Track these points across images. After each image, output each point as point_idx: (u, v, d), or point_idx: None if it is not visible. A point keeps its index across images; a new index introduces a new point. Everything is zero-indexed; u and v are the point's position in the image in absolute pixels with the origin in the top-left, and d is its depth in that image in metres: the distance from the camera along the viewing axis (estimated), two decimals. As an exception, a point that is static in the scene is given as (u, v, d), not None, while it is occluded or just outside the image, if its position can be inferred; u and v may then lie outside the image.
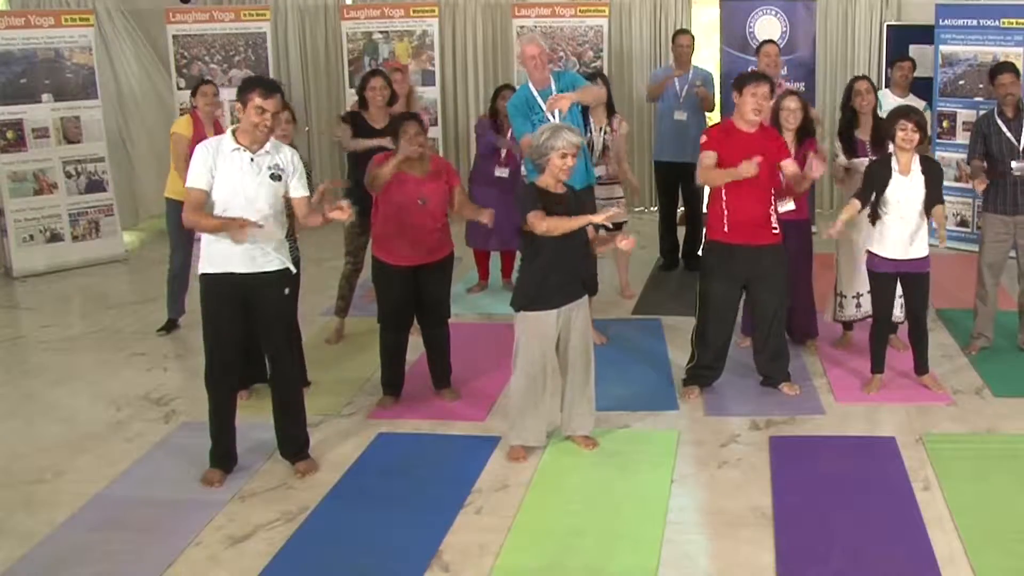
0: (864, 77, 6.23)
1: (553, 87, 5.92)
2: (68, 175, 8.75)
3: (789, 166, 5.40)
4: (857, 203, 5.37)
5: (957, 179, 8.36)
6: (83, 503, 4.61)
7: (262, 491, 4.71)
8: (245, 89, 4.52)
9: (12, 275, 8.50)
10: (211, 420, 4.79)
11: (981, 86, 8.31)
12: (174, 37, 9.91)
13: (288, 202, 4.71)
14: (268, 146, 4.58)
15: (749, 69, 6.75)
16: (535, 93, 5.93)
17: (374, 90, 6.43)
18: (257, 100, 4.45)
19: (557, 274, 4.74)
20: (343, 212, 4.64)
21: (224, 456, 4.82)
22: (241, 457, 4.89)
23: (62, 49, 8.71)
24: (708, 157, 5.34)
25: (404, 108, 6.83)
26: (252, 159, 4.52)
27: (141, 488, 4.77)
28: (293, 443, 4.90)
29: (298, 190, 4.67)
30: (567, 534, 4.27)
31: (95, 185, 8.89)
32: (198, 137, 6.50)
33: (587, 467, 4.88)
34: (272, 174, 4.55)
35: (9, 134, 8.47)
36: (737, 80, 5.44)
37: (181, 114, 7.21)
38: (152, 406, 5.74)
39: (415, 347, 5.74)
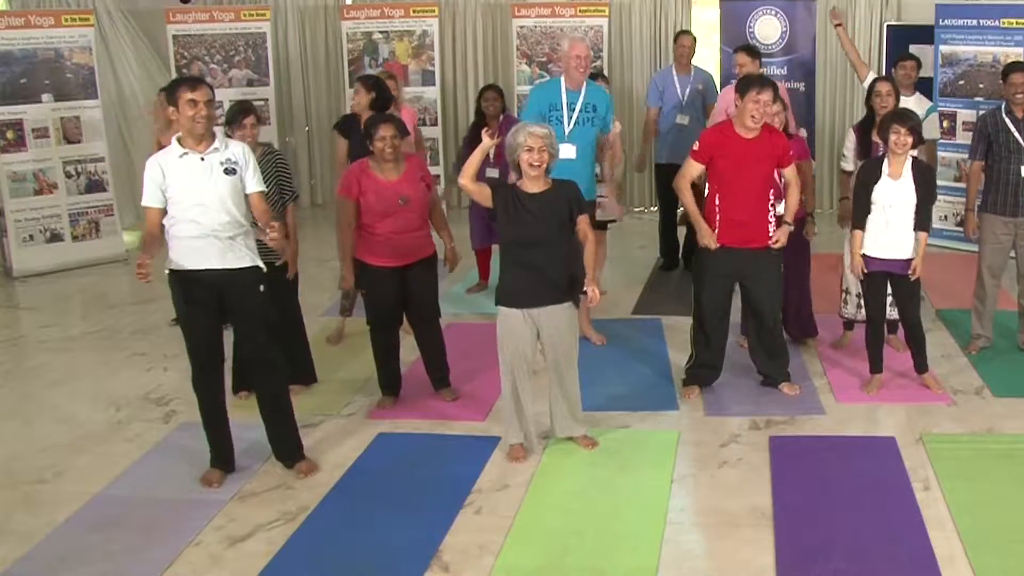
0: (887, 79, 6.14)
1: (582, 93, 6.00)
2: (68, 175, 8.75)
3: (788, 172, 5.40)
4: (859, 233, 5.38)
5: (957, 179, 8.37)
6: (83, 503, 4.61)
7: (262, 491, 4.71)
8: (172, 90, 4.54)
9: (12, 275, 8.51)
10: (205, 424, 4.79)
11: (981, 86, 8.31)
12: (174, 37, 9.93)
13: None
14: (216, 143, 4.55)
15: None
16: (563, 90, 6.00)
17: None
18: (187, 95, 4.45)
19: (522, 274, 4.72)
20: (271, 234, 4.49)
21: (224, 457, 4.81)
22: (241, 457, 4.89)
23: (62, 49, 8.71)
24: (692, 168, 5.38)
25: (393, 109, 6.79)
26: (203, 159, 4.51)
27: (141, 488, 4.77)
28: (285, 444, 4.86)
29: (252, 184, 4.60)
30: (567, 534, 4.27)
31: (95, 185, 8.89)
32: None
33: (587, 467, 4.88)
34: (226, 168, 4.52)
35: (9, 134, 8.47)
36: (741, 82, 5.40)
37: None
38: (152, 406, 5.74)
39: (414, 348, 5.74)
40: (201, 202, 4.48)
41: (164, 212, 4.52)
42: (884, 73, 8.02)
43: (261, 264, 4.70)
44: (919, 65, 7.03)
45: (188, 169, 4.49)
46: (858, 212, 5.41)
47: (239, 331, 4.76)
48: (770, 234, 5.37)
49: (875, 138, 5.84)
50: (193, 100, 4.43)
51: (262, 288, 4.70)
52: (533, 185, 4.73)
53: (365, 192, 5.31)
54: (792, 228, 5.47)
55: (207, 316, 4.62)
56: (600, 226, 7.32)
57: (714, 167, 5.32)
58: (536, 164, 4.65)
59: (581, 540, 4.22)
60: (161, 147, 6.42)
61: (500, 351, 4.86)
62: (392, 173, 5.33)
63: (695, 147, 5.39)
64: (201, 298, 4.58)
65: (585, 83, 6.05)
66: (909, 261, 5.36)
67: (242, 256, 4.60)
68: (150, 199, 4.52)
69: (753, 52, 7.16)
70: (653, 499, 4.54)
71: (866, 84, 6.72)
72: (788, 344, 5.84)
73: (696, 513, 4.49)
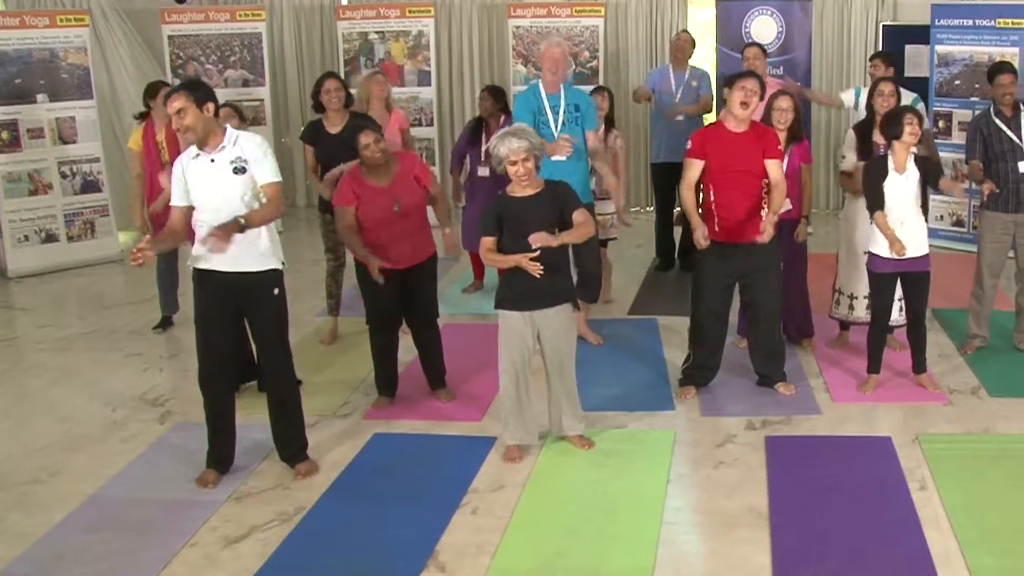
0: (890, 79, 6.10)
1: (562, 95, 5.99)
2: (63, 175, 8.75)
3: (772, 168, 5.33)
4: (880, 213, 5.31)
5: (954, 178, 8.37)
6: (79, 503, 4.61)
7: (258, 491, 4.70)
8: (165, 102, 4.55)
9: (7, 276, 8.50)
10: (207, 422, 4.77)
11: (977, 86, 8.32)
12: (169, 37, 9.91)
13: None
14: (225, 141, 4.51)
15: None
16: (543, 95, 6.00)
17: (328, 93, 6.25)
18: (167, 108, 4.48)
19: (525, 278, 4.68)
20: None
21: (221, 458, 4.81)
22: (237, 457, 4.88)
23: (57, 49, 8.70)
24: (692, 167, 5.37)
25: (383, 110, 6.82)
26: (212, 160, 4.50)
27: (137, 488, 4.76)
28: (291, 445, 4.87)
29: (264, 175, 4.53)
30: (563, 534, 4.27)
31: (90, 185, 8.89)
32: (147, 148, 6.56)
33: (583, 467, 4.88)
34: (235, 168, 4.49)
35: (4, 134, 8.46)
36: (728, 77, 5.58)
37: (138, 117, 6.93)
38: (147, 406, 5.73)
39: (410, 348, 5.74)
40: (212, 203, 4.46)
41: (190, 210, 4.54)
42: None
43: (279, 265, 4.69)
44: (890, 62, 7.00)
45: (201, 170, 4.50)
46: (875, 200, 5.35)
47: (252, 331, 4.77)
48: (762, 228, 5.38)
49: (876, 139, 5.83)
50: (172, 114, 4.45)
51: (277, 292, 4.68)
52: (524, 190, 4.75)
53: (360, 201, 5.29)
54: (776, 219, 5.34)
55: (220, 315, 4.62)
56: (601, 243, 7.33)
57: (707, 164, 5.33)
58: (524, 175, 4.68)
59: (577, 540, 4.22)
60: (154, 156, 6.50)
61: (502, 353, 4.86)
62: (384, 178, 5.31)
63: (688, 147, 5.41)
64: (215, 297, 4.59)
65: (563, 86, 6.02)
66: (922, 259, 5.38)
67: (257, 258, 4.59)
68: (176, 198, 4.57)
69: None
70: (649, 499, 4.54)
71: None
72: (785, 344, 5.83)
73: (692, 513, 4.49)
